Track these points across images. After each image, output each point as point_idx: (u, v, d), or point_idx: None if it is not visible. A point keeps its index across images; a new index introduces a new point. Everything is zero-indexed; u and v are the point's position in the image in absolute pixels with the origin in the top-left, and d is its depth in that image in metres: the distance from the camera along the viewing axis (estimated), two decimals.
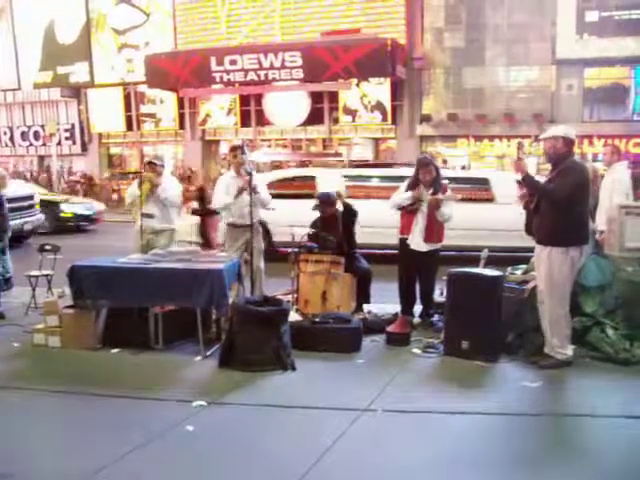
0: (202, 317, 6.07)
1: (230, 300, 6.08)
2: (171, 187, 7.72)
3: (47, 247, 8.08)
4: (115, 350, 6.17)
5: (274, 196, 8.05)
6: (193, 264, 6.30)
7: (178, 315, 6.29)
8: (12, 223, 8.77)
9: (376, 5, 23.85)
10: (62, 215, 17.43)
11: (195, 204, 9.69)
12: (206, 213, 9.11)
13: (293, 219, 8.40)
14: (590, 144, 21.70)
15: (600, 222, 8.10)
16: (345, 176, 11.94)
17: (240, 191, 7.17)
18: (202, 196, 9.54)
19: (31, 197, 14.71)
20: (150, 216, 7.38)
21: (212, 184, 10.24)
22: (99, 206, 19.54)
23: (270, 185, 9.52)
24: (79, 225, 17.94)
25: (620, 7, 21.05)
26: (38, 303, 7.60)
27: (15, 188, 13.42)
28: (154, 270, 6.18)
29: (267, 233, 10.47)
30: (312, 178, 12.09)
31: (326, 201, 7.56)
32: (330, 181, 10.96)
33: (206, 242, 8.90)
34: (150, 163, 7.65)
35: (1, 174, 8.36)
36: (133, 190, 7.61)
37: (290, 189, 12.04)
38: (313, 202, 7.76)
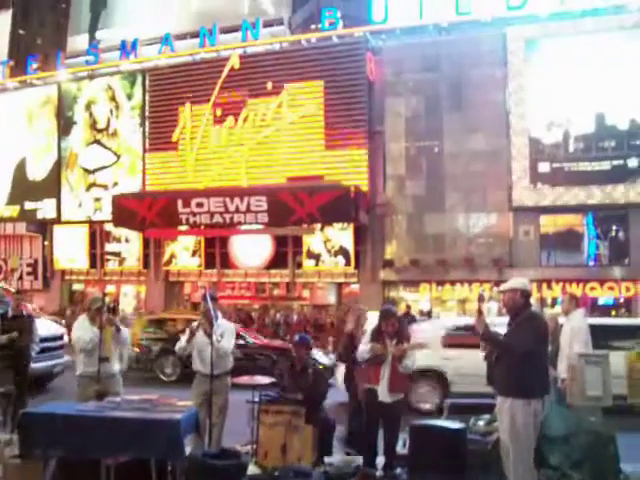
0: (157, 469, 5.80)
1: (187, 452, 5.84)
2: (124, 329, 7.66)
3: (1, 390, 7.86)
4: None
5: (455, 345, 8.34)
6: (150, 413, 6.06)
7: (132, 467, 5.97)
8: (41, 365, 9.54)
9: (340, 153, 24.78)
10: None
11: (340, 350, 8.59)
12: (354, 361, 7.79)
13: (475, 368, 7.82)
14: (549, 288, 22.20)
15: (561, 370, 8.14)
16: None
17: (191, 335, 7.12)
18: (351, 343, 8.15)
19: (61, 337, 13.55)
20: (106, 359, 7.20)
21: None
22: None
23: (449, 336, 9.89)
24: None
25: (569, 159, 22.27)
26: None
27: (48, 327, 13.16)
28: (109, 419, 5.94)
29: (445, 382, 10.13)
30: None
31: (301, 344, 7.41)
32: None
33: (352, 394, 7.97)
34: (99, 308, 7.19)
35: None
36: (88, 335, 7.24)
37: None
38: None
